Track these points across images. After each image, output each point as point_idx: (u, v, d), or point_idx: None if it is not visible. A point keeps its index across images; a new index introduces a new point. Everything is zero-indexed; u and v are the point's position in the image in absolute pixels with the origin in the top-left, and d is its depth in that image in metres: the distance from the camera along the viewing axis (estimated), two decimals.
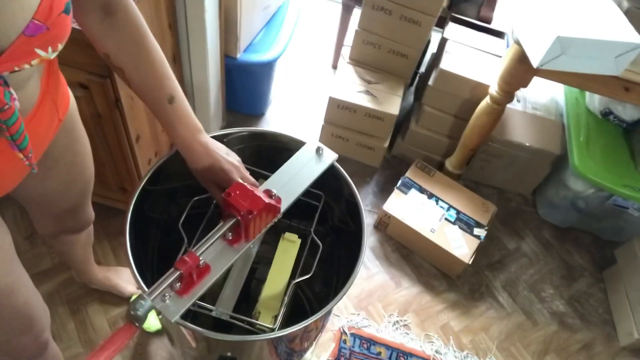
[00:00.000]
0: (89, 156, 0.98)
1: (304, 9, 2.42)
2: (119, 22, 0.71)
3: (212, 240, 0.71)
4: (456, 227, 1.71)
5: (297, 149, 0.90)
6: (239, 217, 0.71)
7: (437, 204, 1.76)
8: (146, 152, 1.50)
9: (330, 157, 0.89)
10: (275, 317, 0.79)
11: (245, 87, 1.91)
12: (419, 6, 1.67)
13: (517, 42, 1.39)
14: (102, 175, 1.52)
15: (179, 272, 0.66)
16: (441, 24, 1.90)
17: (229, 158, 0.82)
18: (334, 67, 2.29)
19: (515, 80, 1.49)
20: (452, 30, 1.83)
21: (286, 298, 0.80)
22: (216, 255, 0.73)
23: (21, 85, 0.62)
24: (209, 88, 1.68)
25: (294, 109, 2.13)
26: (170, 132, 0.79)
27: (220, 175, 0.80)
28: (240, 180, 0.83)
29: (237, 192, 0.71)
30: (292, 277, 0.87)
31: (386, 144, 1.90)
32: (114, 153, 1.40)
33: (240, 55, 1.75)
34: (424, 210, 1.74)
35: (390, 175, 1.99)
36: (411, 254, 1.78)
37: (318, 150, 0.88)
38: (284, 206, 0.80)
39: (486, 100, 1.63)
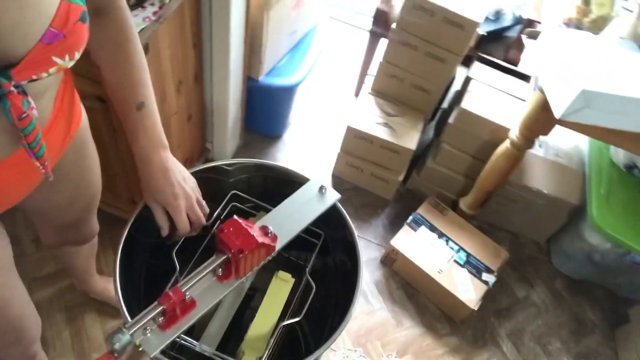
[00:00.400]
0: (96, 172, 0.98)
1: (331, 35, 2.44)
2: (105, 22, 0.72)
3: (201, 275, 0.70)
4: (465, 270, 1.66)
5: (301, 184, 0.89)
6: (230, 255, 0.69)
7: (447, 244, 1.72)
8: None
9: (332, 197, 0.87)
10: (259, 358, 0.77)
11: (265, 108, 1.91)
12: (445, 44, 1.66)
13: (541, 90, 1.36)
14: (113, 185, 1.53)
15: (161, 307, 0.64)
16: (467, 62, 1.88)
17: (183, 184, 0.78)
18: (357, 95, 2.29)
19: (537, 127, 1.45)
20: (478, 69, 1.81)
21: (272, 340, 0.78)
22: (204, 290, 0.72)
23: (38, 96, 0.62)
24: (229, 108, 1.69)
25: (312, 133, 2.13)
26: (131, 139, 0.76)
27: (167, 199, 0.76)
28: (184, 217, 0.78)
29: (231, 228, 0.70)
30: (283, 316, 0.85)
31: (400, 178, 1.87)
32: (127, 166, 1.41)
33: (262, 78, 1.76)
34: (433, 250, 1.70)
35: (402, 209, 1.96)
36: (416, 293, 1.74)
37: (321, 189, 0.87)
38: (280, 244, 0.79)
39: (506, 144, 1.59)
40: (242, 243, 0.69)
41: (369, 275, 1.76)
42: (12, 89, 0.54)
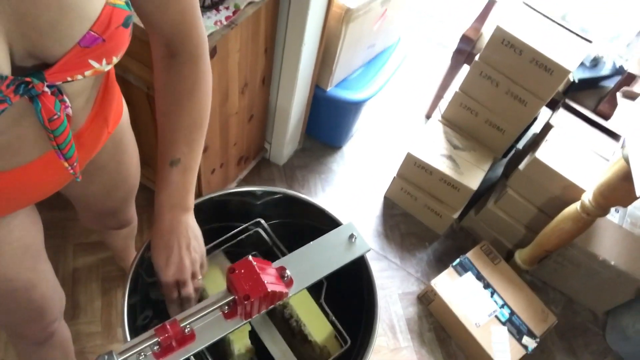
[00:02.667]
0: (134, 167, 0.99)
1: (412, 50, 2.34)
2: (175, 69, 0.70)
3: (205, 311, 0.68)
4: (505, 329, 1.55)
5: (331, 227, 0.84)
6: (236, 298, 0.67)
7: (491, 296, 1.61)
8: (212, 162, 1.52)
9: (362, 248, 0.82)
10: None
11: (328, 118, 1.87)
12: (529, 86, 1.53)
13: (626, 160, 1.21)
14: None
15: (156, 339, 0.63)
16: (552, 104, 1.73)
17: (183, 252, 0.72)
18: (428, 116, 2.19)
19: (615, 197, 1.31)
20: (562, 117, 1.66)
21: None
22: (207, 324, 0.70)
23: (74, 96, 0.62)
24: (291, 113, 1.67)
25: (373, 150, 2.07)
26: (156, 192, 0.74)
27: (159, 261, 0.72)
28: (170, 281, 0.72)
29: (242, 270, 0.67)
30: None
31: (456, 215, 1.77)
32: None
33: (331, 89, 1.72)
34: (475, 300, 1.59)
35: (451, 247, 1.86)
36: (448, 338, 1.65)
37: (351, 237, 0.82)
38: (295, 289, 0.75)
39: (576, 206, 1.45)
40: (251, 289, 0.66)
41: (402, 310, 1.68)
42: (46, 89, 0.53)
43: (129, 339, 0.69)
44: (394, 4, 1.65)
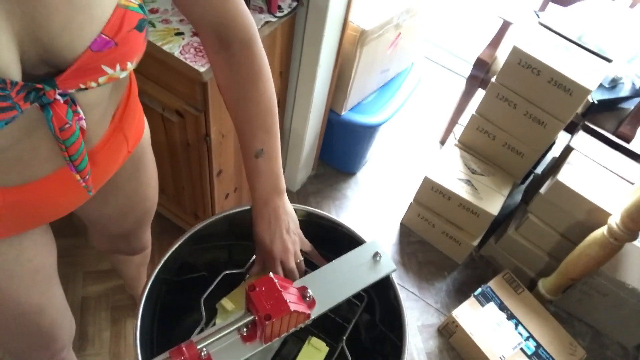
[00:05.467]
0: (152, 188, 0.96)
1: (426, 76, 2.34)
2: (233, 59, 0.68)
3: (223, 333, 0.63)
4: None
5: (354, 242, 0.80)
6: (256, 318, 0.62)
7: (515, 328, 1.53)
8: (226, 186, 1.49)
9: (387, 267, 0.77)
10: None
11: (343, 143, 1.85)
12: (548, 107, 1.50)
13: None
14: (179, 197, 1.54)
15: None
16: (571, 128, 1.69)
17: (285, 235, 0.76)
18: (442, 142, 2.16)
19: None
20: (582, 139, 1.62)
21: None
22: (224, 347, 0.65)
23: (89, 108, 0.59)
24: (305, 137, 1.65)
25: (387, 176, 2.03)
26: (249, 182, 0.76)
27: (265, 246, 0.76)
28: (278, 268, 0.75)
29: (263, 288, 0.62)
30: None
31: (475, 243, 1.71)
32: (194, 181, 1.41)
33: (345, 113, 1.70)
34: (498, 331, 1.52)
35: (471, 276, 1.79)
36: None
37: (376, 255, 0.77)
38: (317, 311, 0.70)
39: (602, 230, 1.39)
40: (272, 308, 0.61)
41: (422, 343, 1.61)
42: (58, 97, 0.51)
43: (139, 354, 0.64)
44: (408, 27, 1.65)
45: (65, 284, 1.55)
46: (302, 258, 0.79)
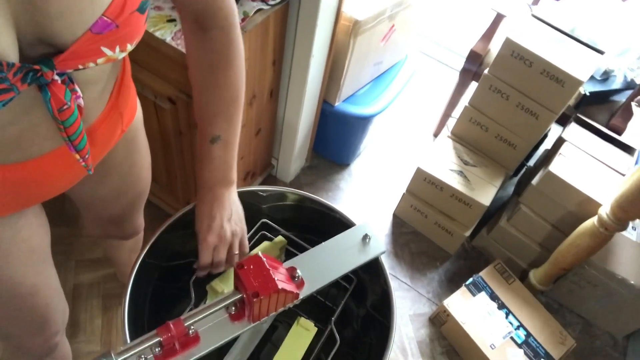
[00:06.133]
0: (146, 169, 0.96)
1: (419, 70, 2.34)
2: (207, 42, 0.68)
3: (210, 310, 0.63)
4: (521, 351, 1.48)
5: (345, 227, 0.80)
6: (244, 296, 0.62)
7: (506, 317, 1.54)
8: None
9: (376, 249, 0.78)
10: None
11: (336, 135, 1.85)
12: (541, 98, 1.51)
13: None
14: (172, 185, 1.54)
15: (158, 339, 0.58)
16: (563, 120, 1.70)
17: (226, 223, 0.75)
18: (435, 135, 2.17)
19: (634, 209, 1.27)
20: (573, 131, 1.63)
21: None
22: (212, 326, 0.65)
23: (86, 85, 0.59)
24: (298, 128, 1.65)
25: (380, 167, 2.04)
26: (198, 168, 0.75)
27: (201, 228, 0.75)
28: (207, 256, 0.74)
29: (251, 266, 0.63)
30: None
31: (467, 233, 1.72)
32: (187, 169, 1.41)
33: (338, 104, 1.70)
34: (489, 320, 1.53)
35: (463, 267, 1.80)
36: None
37: (365, 237, 0.78)
38: (306, 291, 0.70)
39: (593, 220, 1.41)
40: (260, 286, 0.61)
41: (413, 332, 1.62)
42: (56, 77, 0.50)
43: (128, 340, 0.65)
44: (401, 20, 1.65)
45: (58, 272, 1.54)
46: (237, 252, 0.77)
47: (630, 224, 1.60)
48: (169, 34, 1.05)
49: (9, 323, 0.84)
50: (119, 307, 1.51)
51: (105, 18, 0.49)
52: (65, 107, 0.53)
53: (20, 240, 0.72)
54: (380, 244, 0.79)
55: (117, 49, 0.52)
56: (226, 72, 0.70)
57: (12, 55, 0.45)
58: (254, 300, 0.61)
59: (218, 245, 0.74)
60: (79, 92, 0.55)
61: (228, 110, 0.73)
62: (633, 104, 1.50)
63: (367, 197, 1.93)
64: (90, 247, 1.61)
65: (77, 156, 0.61)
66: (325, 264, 0.74)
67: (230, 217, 0.75)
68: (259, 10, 1.16)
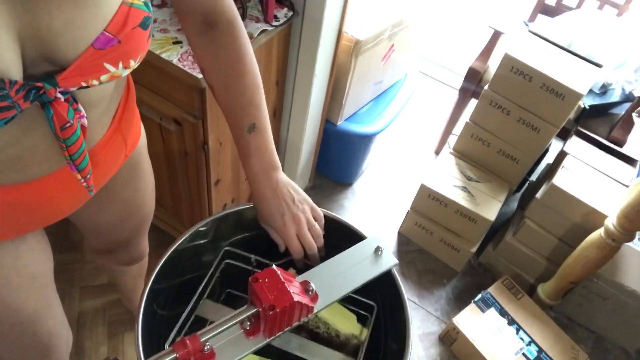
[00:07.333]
0: (149, 194, 0.96)
1: (419, 89, 2.37)
2: (218, 38, 0.69)
3: (225, 326, 0.63)
4: None
5: (355, 241, 0.80)
6: (260, 310, 0.62)
7: (517, 333, 1.52)
8: (223, 196, 1.49)
9: (389, 261, 0.77)
10: None
11: (339, 154, 1.86)
12: (541, 113, 1.53)
13: None
14: (176, 208, 1.53)
15: (174, 355, 0.57)
16: (563, 134, 1.72)
17: (293, 207, 0.75)
18: (437, 153, 2.18)
19: None
20: (575, 145, 1.64)
21: None
22: (227, 342, 0.64)
23: (90, 106, 0.59)
24: (302, 148, 1.66)
25: (384, 186, 2.04)
26: (243, 162, 0.74)
27: (277, 224, 0.74)
28: (296, 243, 0.74)
29: (266, 279, 0.62)
30: None
31: (474, 249, 1.71)
32: (192, 191, 1.41)
33: (340, 123, 1.72)
34: (500, 337, 1.51)
35: (470, 283, 1.79)
36: None
37: (377, 250, 0.77)
38: (320, 305, 0.70)
39: (600, 232, 1.40)
40: (276, 298, 0.61)
41: (423, 351, 1.59)
42: (59, 95, 0.50)
43: (142, 357, 0.63)
44: (401, 40, 1.68)
45: (62, 299, 1.50)
46: (316, 224, 0.77)
47: (637, 235, 1.60)
48: (176, 55, 1.07)
49: (10, 351, 0.82)
50: (124, 333, 1.49)
51: (107, 33, 0.49)
52: (67, 125, 0.52)
53: (21, 266, 0.71)
54: (392, 257, 0.78)
55: (120, 65, 0.52)
56: (244, 63, 0.71)
57: (15, 72, 0.45)
58: (271, 313, 0.60)
59: (299, 230, 0.74)
60: (83, 112, 0.55)
61: (254, 97, 0.73)
62: (634, 114, 1.51)
63: (371, 216, 1.93)
64: (95, 273, 1.59)
65: (79, 176, 0.60)
66: (338, 277, 0.74)
67: (293, 199, 0.75)
68: (263, 31, 1.18)
